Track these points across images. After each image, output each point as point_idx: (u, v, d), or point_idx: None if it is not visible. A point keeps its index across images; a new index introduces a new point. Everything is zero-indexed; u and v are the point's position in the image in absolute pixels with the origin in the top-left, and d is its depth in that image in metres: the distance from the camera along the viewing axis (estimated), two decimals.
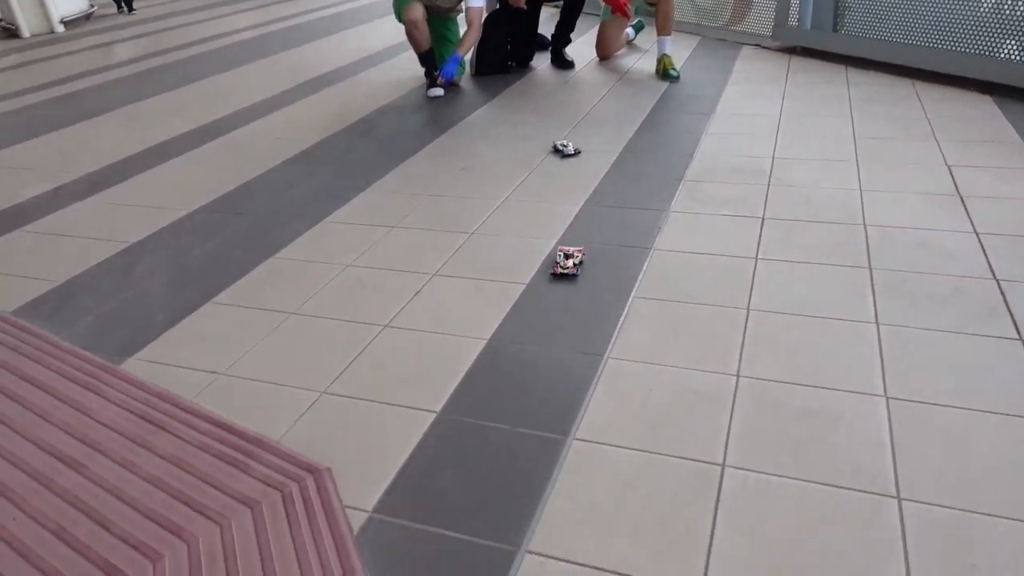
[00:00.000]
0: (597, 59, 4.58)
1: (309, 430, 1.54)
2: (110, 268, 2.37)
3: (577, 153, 2.99)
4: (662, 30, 4.09)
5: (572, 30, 4.53)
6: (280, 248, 2.39)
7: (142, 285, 2.23)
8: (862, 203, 2.37)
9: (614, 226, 2.35)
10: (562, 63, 4.51)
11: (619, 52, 4.65)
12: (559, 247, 2.15)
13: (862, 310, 1.78)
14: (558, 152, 3.02)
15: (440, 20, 4.24)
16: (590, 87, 4.02)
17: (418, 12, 3.97)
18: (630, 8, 4.32)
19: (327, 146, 3.43)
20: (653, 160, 2.90)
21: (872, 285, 1.89)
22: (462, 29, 4.18)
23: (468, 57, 4.34)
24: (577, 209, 2.50)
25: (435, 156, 3.16)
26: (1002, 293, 1.80)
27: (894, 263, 1.99)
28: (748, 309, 1.82)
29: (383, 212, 2.61)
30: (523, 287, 2.02)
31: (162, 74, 5.45)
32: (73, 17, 8.66)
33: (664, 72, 4.01)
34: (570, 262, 2.02)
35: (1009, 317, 1.71)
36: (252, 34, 7.03)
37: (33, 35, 8.16)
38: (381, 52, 5.49)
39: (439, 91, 4.08)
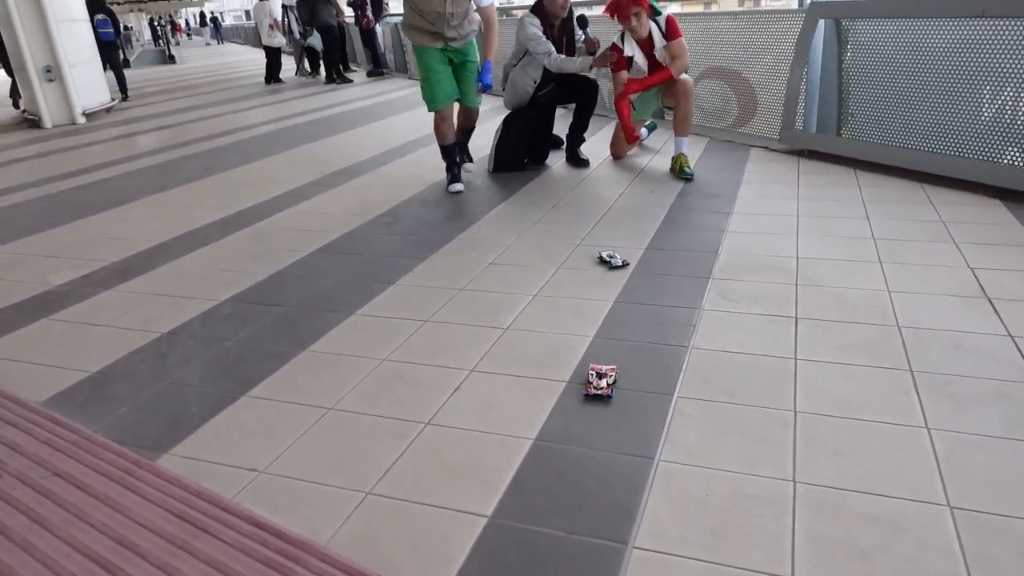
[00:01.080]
0: (611, 158, 4.72)
1: (356, 533, 1.50)
2: (142, 358, 2.35)
3: (625, 265, 2.87)
4: (680, 131, 4.21)
5: (586, 129, 4.69)
6: (313, 340, 2.39)
7: (176, 376, 2.21)
8: (892, 304, 2.39)
9: (648, 323, 2.36)
10: (577, 161, 4.64)
11: (632, 152, 4.80)
12: (591, 365, 2.06)
13: (910, 413, 1.77)
14: (605, 263, 2.89)
15: (458, 58, 4.09)
16: (607, 184, 4.13)
17: (449, 110, 4.09)
18: (640, 131, 4.64)
19: (353, 238, 3.48)
20: (678, 257, 2.94)
21: (916, 387, 1.88)
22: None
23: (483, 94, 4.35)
24: (609, 305, 2.52)
25: (461, 250, 3.20)
26: None
27: (934, 365, 1.99)
28: (795, 411, 1.81)
29: (414, 305, 2.62)
30: (564, 384, 2.01)
31: (184, 165, 5.59)
32: (95, 109, 8.95)
33: (680, 170, 4.13)
34: (603, 382, 1.95)
35: None
36: (271, 128, 7.26)
37: (55, 126, 8.40)
38: (399, 147, 5.66)
39: (459, 186, 4.15)
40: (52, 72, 8.29)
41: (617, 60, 4.15)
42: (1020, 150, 3.61)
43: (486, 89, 4.15)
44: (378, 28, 12.00)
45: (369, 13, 11.75)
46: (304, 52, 12.65)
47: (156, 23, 39.85)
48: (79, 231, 3.92)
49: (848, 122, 4.49)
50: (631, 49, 4.22)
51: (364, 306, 2.65)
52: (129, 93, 11.12)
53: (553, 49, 4.23)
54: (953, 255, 2.77)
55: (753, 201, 3.64)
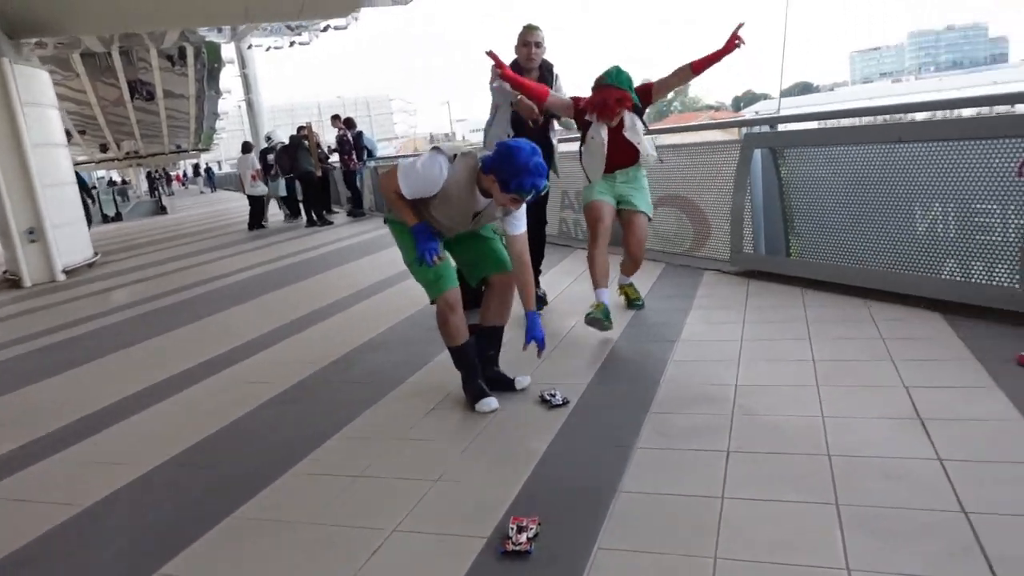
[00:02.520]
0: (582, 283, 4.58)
1: None
2: (65, 535, 2.28)
3: (566, 403, 2.84)
4: (626, 271, 4.15)
5: (540, 259, 4.59)
6: (241, 504, 2.34)
7: (93, 555, 2.14)
8: (825, 430, 2.37)
9: (580, 467, 2.33)
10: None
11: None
12: (513, 518, 1.99)
13: (832, 554, 1.72)
14: (545, 402, 2.86)
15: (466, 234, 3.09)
16: (561, 316, 4.18)
17: (458, 292, 2.95)
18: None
19: (305, 387, 3.48)
20: (620, 391, 2.94)
21: (841, 523, 1.84)
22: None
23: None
24: (545, 447, 2.49)
25: (408, 396, 3.20)
26: (973, 529, 1.75)
27: (861, 497, 1.95)
28: (715, 557, 1.75)
29: (349, 460, 2.58)
30: (484, 541, 1.95)
31: (157, 318, 5.67)
32: (76, 266, 9.16)
33: (629, 301, 4.19)
34: (523, 536, 1.89)
35: (983, 557, 1.64)
36: (246, 275, 7.42)
37: (35, 284, 8.56)
38: (366, 288, 5.77)
39: (493, 402, 2.91)
40: (35, 233, 8.56)
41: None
42: (957, 262, 3.71)
43: (541, 340, 2.97)
44: (361, 171, 12.54)
45: (355, 156, 12.32)
46: (278, 200, 13.19)
47: (154, 175, 41.64)
48: (30, 397, 3.92)
49: (795, 243, 4.63)
50: (594, 123, 3.79)
51: (300, 463, 2.61)
52: (117, 245, 11.43)
53: (505, 86, 3.95)
54: (890, 374, 2.78)
55: (700, 327, 3.69)
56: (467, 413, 2.91)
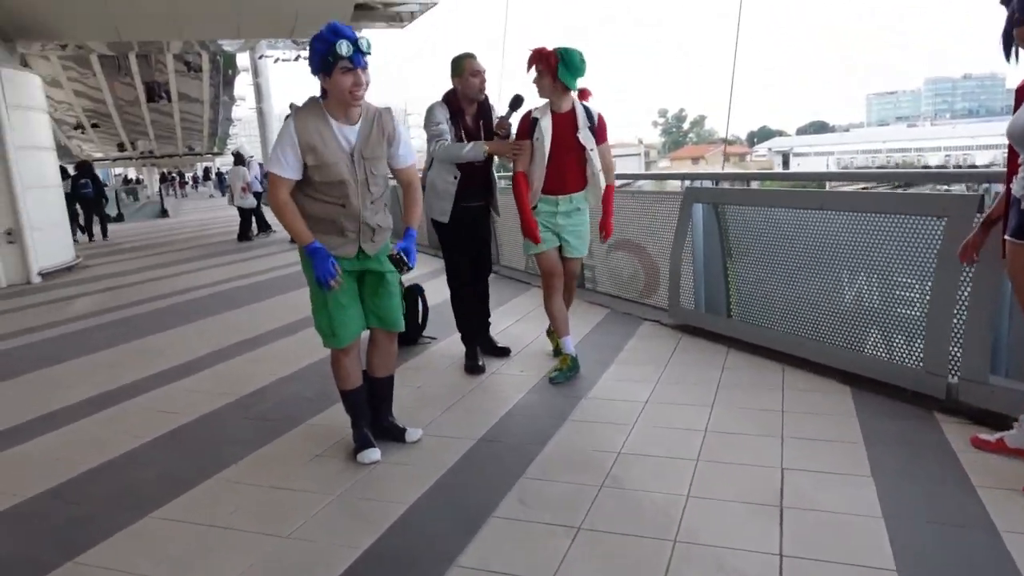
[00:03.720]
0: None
1: None
2: None
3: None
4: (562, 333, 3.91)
5: (486, 312, 4.35)
6: (87, 549, 2.32)
7: None
8: (683, 511, 2.33)
9: (429, 534, 2.30)
10: (494, 349, 4.26)
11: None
12: None
13: None
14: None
15: (374, 269, 2.86)
16: (490, 373, 4.13)
17: (356, 345, 2.90)
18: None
19: (205, 422, 3.47)
20: (502, 450, 2.91)
21: None
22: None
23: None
24: (405, 508, 2.47)
25: (300, 438, 3.18)
26: None
27: None
28: None
29: (213, 507, 2.56)
30: None
31: (98, 333, 5.67)
32: (53, 269, 9.22)
33: (555, 349, 4.11)
34: None
35: None
36: (208, 291, 7.44)
37: (10, 285, 8.62)
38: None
39: (375, 454, 2.88)
40: (12, 235, 8.63)
41: (509, 134, 3.76)
42: (881, 334, 3.67)
43: (406, 265, 2.72)
44: None
45: None
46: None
47: (168, 176, 42.05)
48: None
49: (735, 301, 4.58)
50: (542, 115, 3.63)
51: (164, 506, 2.59)
52: (105, 249, 11.53)
53: (446, 137, 3.76)
54: (772, 453, 2.73)
55: (612, 384, 3.65)
56: (348, 462, 2.89)
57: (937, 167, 62.60)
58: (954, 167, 61.19)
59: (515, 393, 3.58)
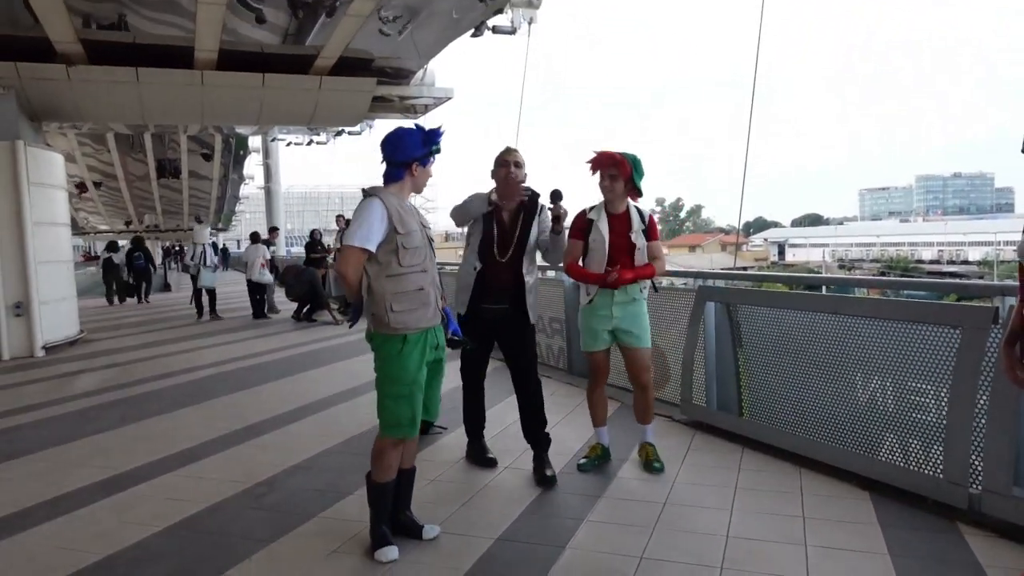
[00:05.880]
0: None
1: None
2: None
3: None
4: (641, 418, 3.91)
5: (541, 421, 3.83)
6: None
7: None
8: None
9: None
10: (542, 479, 3.66)
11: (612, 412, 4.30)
12: None
13: None
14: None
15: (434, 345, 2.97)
16: (503, 454, 4.08)
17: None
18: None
19: (214, 513, 3.40)
20: (521, 553, 2.86)
21: None
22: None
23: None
24: None
25: (311, 535, 3.11)
26: None
27: None
28: None
29: None
30: None
31: (106, 412, 5.62)
32: (58, 343, 9.20)
33: (646, 463, 3.82)
34: None
35: None
36: (216, 370, 7.40)
37: (13, 358, 8.59)
38: (322, 400, 5.73)
39: (394, 552, 2.83)
40: (21, 308, 8.66)
41: (563, 218, 3.62)
42: (897, 438, 3.66)
43: (466, 342, 3.18)
44: None
45: None
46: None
47: (172, 249, 42.40)
48: None
49: (747, 400, 4.58)
50: (598, 216, 3.74)
51: None
52: (107, 322, 11.53)
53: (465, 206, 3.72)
54: (798, 563, 2.69)
55: (628, 483, 3.62)
56: (366, 560, 2.83)
57: (931, 261, 63.87)
58: (947, 262, 62.46)
59: (531, 490, 3.54)
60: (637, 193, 3.78)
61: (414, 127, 2.99)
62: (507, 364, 3.89)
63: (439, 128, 2.97)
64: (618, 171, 3.67)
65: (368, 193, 2.90)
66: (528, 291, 3.74)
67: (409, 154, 2.90)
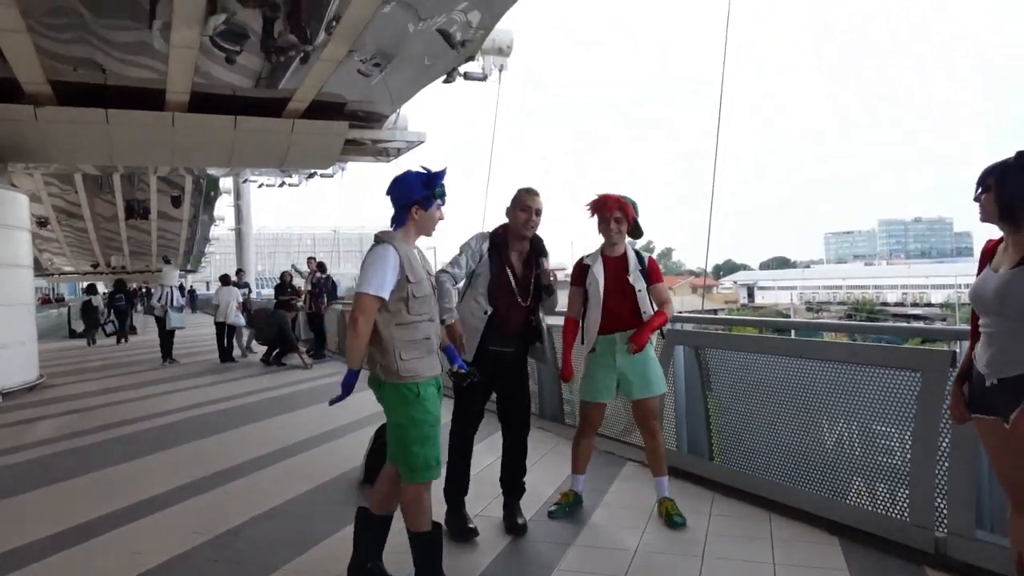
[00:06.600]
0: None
1: None
2: None
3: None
4: (656, 471, 3.81)
5: (521, 470, 3.74)
6: None
7: None
8: None
9: None
10: (512, 526, 3.59)
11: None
12: None
13: None
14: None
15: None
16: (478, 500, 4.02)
17: None
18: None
19: (175, 566, 3.30)
20: None
21: None
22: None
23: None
24: None
25: None
26: None
27: None
28: None
29: None
30: None
31: (62, 460, 5.46)
32: (14, 388, 8.94)
33: (667, 517, 3.66)
34: None
35: None
36: (181, 416, 7.23)
37: None
38: (294, 445, 5.62)
39: None
40: None
41: (551, 283, 3.62)
42: (864, 482, 3.69)
43: (471, 374, 3.20)
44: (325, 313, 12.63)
45: (324, 298, 12.47)
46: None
47: (138, 291, 41.75)
48: None
49: (717, 445, 4.61)
50: (593, 261, 3.75)
51: None
52: (70, 366, 11.27)
53: (453, 274, 3.52)
54: None
55: (599, 531, 3.60)
56: None
57: (895, 304, 65.34)
58: (911, 304, 63.95)
59: (502, 538, 3.50)
60: (638, 233, 3.81)
61: (421, 169, 2.89)
62: (499, 407, 3.75)
63: (442, 171, 2.89)
64: (623, 214, 3.70)
65: (380, 239, 2.86)
66: (543, 331, 3.71)
67: (409, 197, 2.85)
